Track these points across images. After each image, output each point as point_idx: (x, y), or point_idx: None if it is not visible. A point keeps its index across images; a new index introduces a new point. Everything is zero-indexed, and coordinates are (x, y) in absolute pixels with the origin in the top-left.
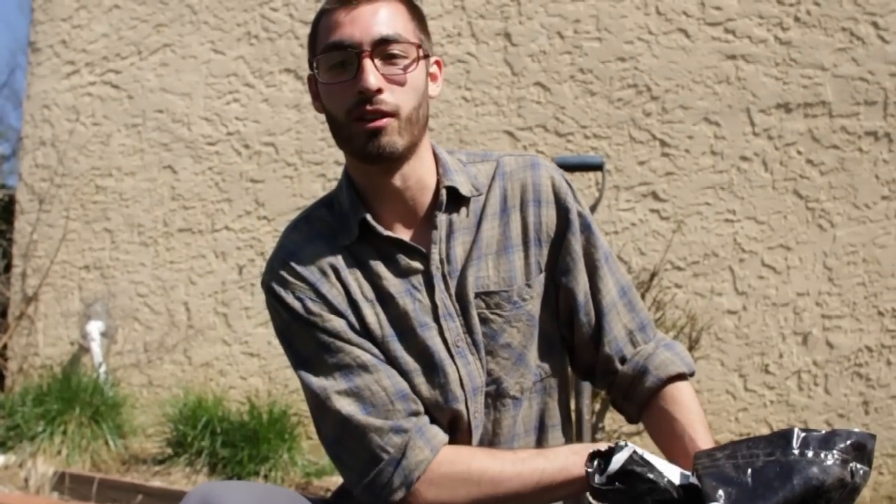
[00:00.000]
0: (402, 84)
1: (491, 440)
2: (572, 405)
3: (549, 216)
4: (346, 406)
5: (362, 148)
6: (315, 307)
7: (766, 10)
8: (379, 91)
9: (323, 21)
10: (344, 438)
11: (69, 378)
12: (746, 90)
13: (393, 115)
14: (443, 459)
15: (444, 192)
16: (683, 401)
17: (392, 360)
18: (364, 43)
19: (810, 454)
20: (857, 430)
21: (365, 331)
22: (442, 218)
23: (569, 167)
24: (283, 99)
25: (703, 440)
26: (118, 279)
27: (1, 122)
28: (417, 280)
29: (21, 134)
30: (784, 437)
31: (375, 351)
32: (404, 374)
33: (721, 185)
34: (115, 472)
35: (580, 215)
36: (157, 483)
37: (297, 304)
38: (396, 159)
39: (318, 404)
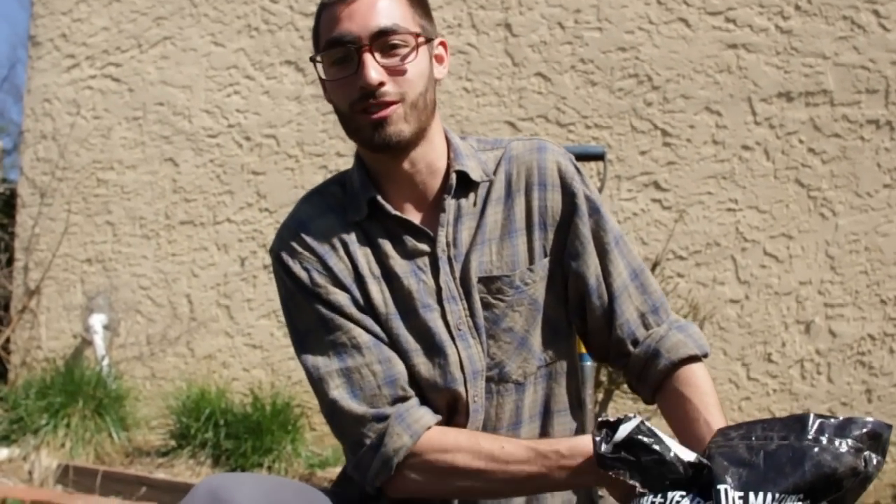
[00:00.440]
0: (403, 73)
1: (494, 425)
2: None
3: (555, 200)
4: (334, 389)
5: (370, 139)
6: (320, 279)
7: None
8: (381, 84)
9: (323, 16)
10: (333, 420)
11: (72, 371)
12: (748, 79)
13: (398, 102)
14: (426, 446)
15: (453, 176)
16: (696, 382)
17: (393, 339)
18: (363, 37)
19: (824, 441)
20: (872, 419)
21: (369, 307)
22: (450, 202)
23: None
24: (283, 91)
25: (717, 422)
26: (120, 272)
27: (2, 117)
28: (423, 262)
29: (22, 128)
30: (800, 421)
31: (376, 329)
32: (404, 353)
33: (723, 174)
34: (119, 465)
35: (588, 198)
36: (160, 475)
37: (303, 275)
38: (404, 146)
39: (312, 381)
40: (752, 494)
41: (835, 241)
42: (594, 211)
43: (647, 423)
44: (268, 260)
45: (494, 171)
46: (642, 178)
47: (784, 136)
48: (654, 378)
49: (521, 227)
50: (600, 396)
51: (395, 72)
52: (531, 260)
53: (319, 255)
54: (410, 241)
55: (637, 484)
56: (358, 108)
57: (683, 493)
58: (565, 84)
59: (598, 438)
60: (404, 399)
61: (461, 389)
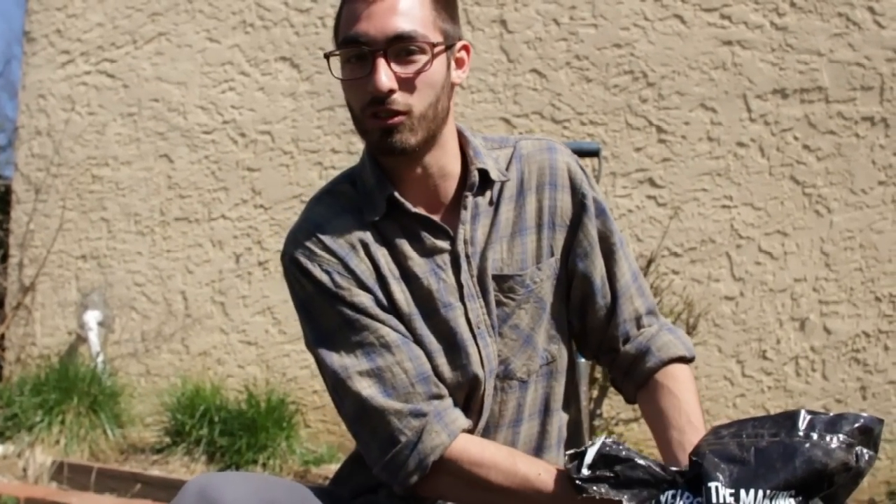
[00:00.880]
0: (414, 84)
1: (497, 423)
2: None
3: (565, 200)
4: (367, 387)
5: (377, 143)
6: (343, 281)
7: None
8: (391, 92)
9: (344, 10)
10: (363, 418)
11: (67, 368)
12: (743, 76)
13: (405, 113)
14: (462, 454)
15: (476, 173)
16: (682, 379)
17: (416, 339)
18: (378, 41)
19: (815, 436)
20: (864, 413)
21: (392, 307)
22: (470, 199)
23: None
24: (278, 87)
25: (698, 420)
26: (115, 269)
27: None
28: (442, 260)
29: (17, 124)
30: (790, 417)
31: (401, 329)
32: (427, 353)
33: (718, 171)
34: (114, 462)
35: (595, 201)
36: (155, 472)
37: (324, 277)
38: (411, 154)
39: (338, 382)
40: (743, 491)
41: (829, 239)
42: (601, 212)
43: (611, 439)
44: (263, 256)
45: (507, 170)
46: (637, 174)
47: (779, 132)
48: (642, 374)
49: (532, 226)
50: (595, 393)
51: (407, 81)
52: (539, 258)
53: (340, 256)
54: (429, 238)
55: (623, 498)
56: (368, 112)
57: (674, 491)
58: (560, 80)
59: (569, 467)
60: (439, 397)
61: (480, 388)
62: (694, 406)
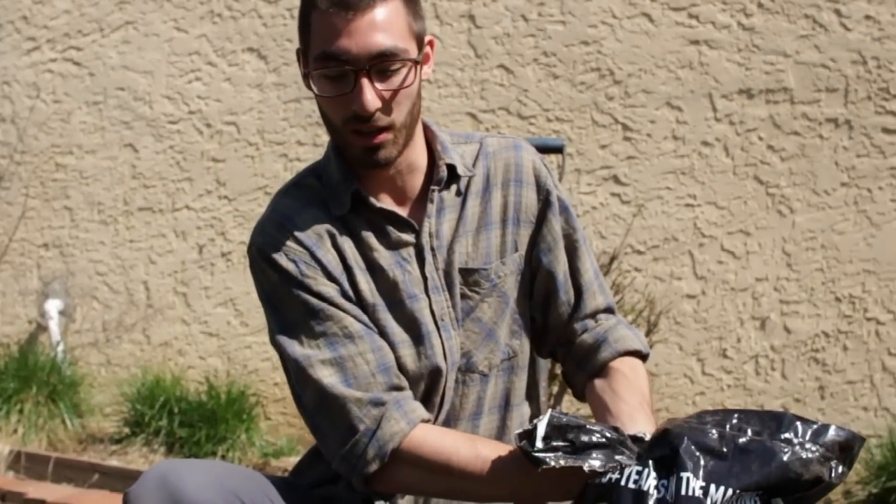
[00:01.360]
0: (397, 98)
1: (457, 415)
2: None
3: (530, 197)
4: (328, 376)
5: (359, 158)
6: (309, 271)
7: None
8: (376, 110)
9: (319, 20)
10: (322, 408)
11: (26, 356)
12: (709, 75)
13: (389, 128)
14: (422, 438)
15: (444, 168)
16: (637, 368)
17: (380, 330)
18: (362, 59)
19: (796, 444)
20: (848, 430)
21: (357, 298)
22: (437, 194)
23: None
24: (245, 78)
25: (649, 405)
26: (77, 257)
27: None
28: (407, 252)
29: None
30: (777, 419)
31: (365, 319)
32: (391, 344)
33: (682, 169)
34: (72, 452)
35: (559, 198)
36: (113, 462)
37: (290, 267)
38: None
39: (299, 372)
40: (713, 486)
41: (791, 239)
42: (564, 210)
43: (558, 411)
44: (226, 248)
45: (473, 165)
46: (602, 171)
47: (744, 132)
48: (596, 365)
49: (497, 221)
50: (555, 389)
51: (390, 98)
52: (503, 253)
53: (307, 246)
54: (395, 232)
55: (583, 463)
56: (350, 128)
57: (640, 467)
58: (527, 77)
59: (522, 444)
60: (399, 388)
61: (442, 380)
62: (647, 394)
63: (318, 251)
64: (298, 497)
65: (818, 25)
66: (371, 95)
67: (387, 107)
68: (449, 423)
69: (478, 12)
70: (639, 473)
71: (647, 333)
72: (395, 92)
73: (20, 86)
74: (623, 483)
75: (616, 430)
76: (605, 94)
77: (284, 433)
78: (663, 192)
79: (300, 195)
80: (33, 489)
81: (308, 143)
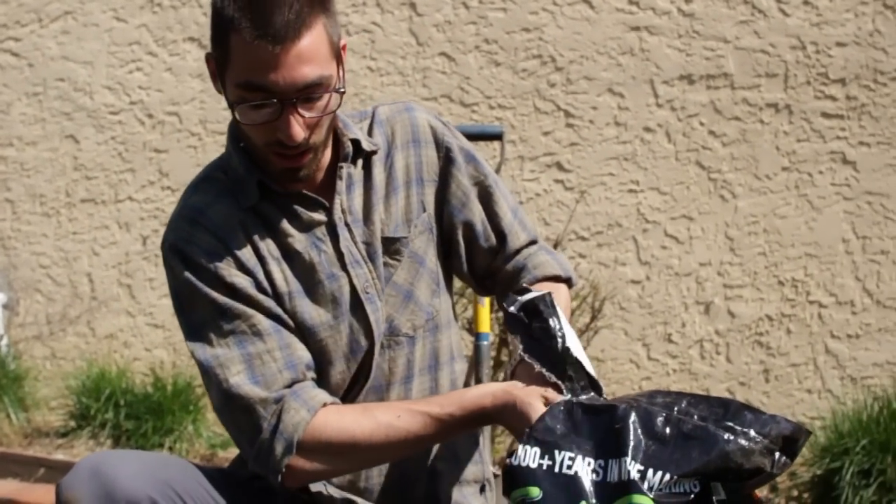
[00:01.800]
0: (320, 121)
1: (388, 381)
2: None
3: (430, 156)
4: (234, 375)
5: (279, 175)
6: (223, 263)
7: None
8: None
9: (239, 42)
10: (228, 408)
11: None
12: (650, 62)
13: (311, 149)
14: (324, 426)
15: (349, 144)
16: (555, 289)
17: (298, 317)
18: (289, 92)
19: (739, 433)
20: (794, 422)
21: (272, 288)
22: (345, 170)
23: (469, 136)
24: (186, 68)
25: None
26: (20, 250)
27: None
28: (321, 231)
29: None
30: (724, 406)
31: (278, 313)
32: (311, 329)
33: (625, 155)
34: (18, 446)
35: (462, 149)
36: (59, 456)
37: (204, 260)
38: None
39: (207, 372)
40: (651, 471)
41: (734, 223)
42: (470, 159)
43: (551, 298)
44: None
45: (369, 132)
46: (545, 158)
47: (685, 118)
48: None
49: (401, 184)
50: (500, 377)
51: (314, 124)
52: (410, 214)
53: (220, 238)
54: (306, 213)
55: (521, 346)
56: (272, 150)
57: (572, 453)
58: (469, 64)
59: (507, 298)
60: (302, 381)
61: (370, 353)
62: (565, 310)
63: (231, 243)
64: (237, 488)
65: (757, 11)
66: (298, 127)
67: (311, 131)
68: (381, 389)
69: (419, 0)
70: (571, 459)
71: (592, 319)
72: (320, 117)
73: None
74: (557, 469)
75: (565, 353)
76: (547, 81)
77: None
78: (606, 178)
79: (210, 189)
80: None
81: None
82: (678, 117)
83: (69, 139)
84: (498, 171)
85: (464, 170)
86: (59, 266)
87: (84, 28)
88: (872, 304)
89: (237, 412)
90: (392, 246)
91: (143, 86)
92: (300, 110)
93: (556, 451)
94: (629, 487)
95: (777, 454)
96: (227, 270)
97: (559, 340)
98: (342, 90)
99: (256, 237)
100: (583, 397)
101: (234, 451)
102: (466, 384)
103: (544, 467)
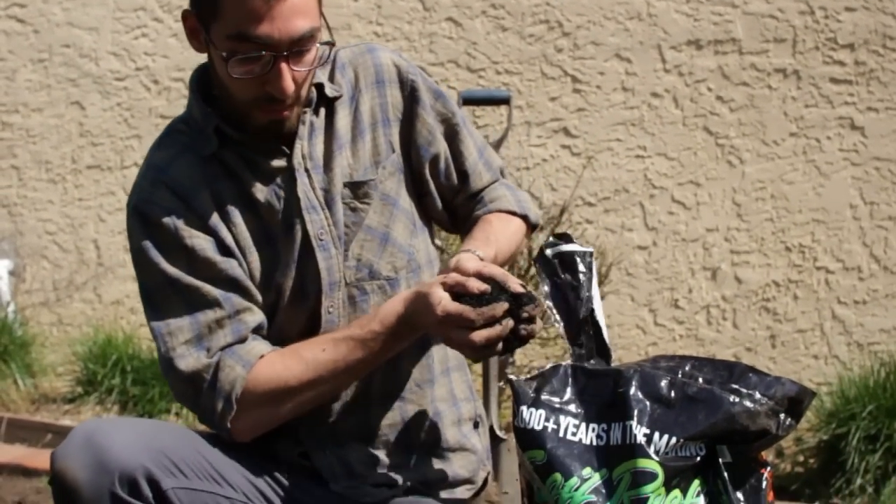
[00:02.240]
0: (307, 75)
1: None
2: None
3: (395, 95)
4: (181, 345)
5: (260, 127)
6: (183, 224)
7: None
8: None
9: None
10: (173, 376)
11: None
12: (658, 27)
13: (295, 102)
14: (259, 379)
15: (313, 90)
16: (504, 218)
17: (257, 263)
18: (283, 45)
19: (745, 396)
20: (800, 384)
21: (235, 241)
22: (308, 116)
23: (476, 101)
24: None
25: (499, 240)
26: (26, 217)
27: None
28: (282, 178)
29: None
30: (729, 368)
31: (233, 275)
32: (267, 279)
33: (632, 121)
34: (25, 412)
35: (428, 87)
36: (66, 422)
37: (163, 222)
38: None
39: (156, 338)
40: (657, 434)
41: (741, 189)
42: (438, 95)
43: (591, 259)
44: None
45: (333, 82)
46: (552, 124)
47: (693, 83)
48: (471, 221)
49: (367, 127)
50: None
51: (303, 79)
52: (378, 155)
53: (183, 197)
54: (265, 161)
55: (546, 291)
56: (258, 104)
57: (577, 420)
58: (476, 29)
59: (548, 243)
60: (243, 340)
61: (318, 301)
62: (501, 236)
63: (193, 201)
64: (237, 453)
65: None
66: (289, 80)
67: (298, 86)
68: None
69: None
70: (576, 425)
71: (599, 285)
72: (308, 72)
73: None
74: (561, 434)
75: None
76: (554, 46)
77: None
78: (613, 143)
79: (172, 143)
80: None
81: None
82: (686, 83)
83: (75, 105)
84: (505, 136)
85: (429, 107)
86: (65, 232)
87: None
88: (880, 270)
89: (181, 380)
90: (360, 189)
91: (148, 52)
92: (291, 64)
93: (562, 416)
94: (635, 451)
95: (782, 416)
96: (187, 231)
97: (585, 305)
98: (332, 42)
99: (219, 188)
100: (587, 364)
101: None
102: None
103: (549, 430)
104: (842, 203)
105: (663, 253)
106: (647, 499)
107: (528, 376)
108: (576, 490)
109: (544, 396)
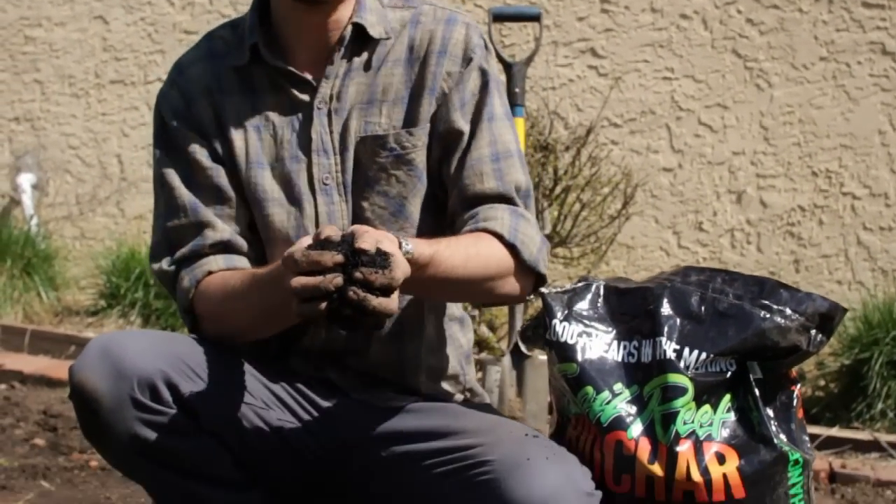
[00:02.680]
0: None
1: None
2: None
3: (451, 70)
4: (157, 245)
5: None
6: (180, 126)
7: None
8: None
9: None
10: (154, 272)
11: (0, 230)
12: None
13: None
14: (199, 296)
15: (349, 28)
16: (484, 238)
17: (253, 186)
18: None
19: (776, 312)
20: (831, 300)
21: (228, 156)
22: (340, 55)
23: (506, 17)
24: None
25: (453, 255)
26: (49, 131)
27: None
28: (302, 113)
29: None
30: (760, 284)
31: (219, 181)
32: (261, 201)
33: (660, 42)
34: (48, 324)
35: (482, 72)
36: (89, 334)
37: (166, 120)
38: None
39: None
40: (687, 350)
41: (769, 113)
42: (483, 86)
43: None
44: None
45: (399, 33)
46: (579, 44)
47: (722, 5)
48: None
49: (413, 93)
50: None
51: None
52: (413, 124)
53: (187, 99)
54: (292, 91)
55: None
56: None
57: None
58: None
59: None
60: (200, 255)
61: None
62: (473, 254)
63: (194, 106)
64: (255, 363)
65: None
66: None
67: None
68: None
69: None
70: (607, 343)
71: (624, 206)
72: None
73: None
74: (593, 349)
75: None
76: None
77: None
78: (641, 64)
79: (203, 47)
80: (10, 361)
81: None
82: (715, 4)
83: (98, 20)
84: (534, 55)
85: (469, 90)
86: (88, 147)
87: None
88: None
89: (156, 276)
90: (377, 144)
91: None
92: None
93: (593, 332)
94: (665, 367)
95: (813, 332)
96: (182, 133)
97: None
98: None
99: (228, 101)
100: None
101: None
102: None
103: (581, 345)
104: (870, 129)
105: (689, 175)
106: (678, 413)
107: (560, 289)
108: (607, 404)
109: (576, 311)
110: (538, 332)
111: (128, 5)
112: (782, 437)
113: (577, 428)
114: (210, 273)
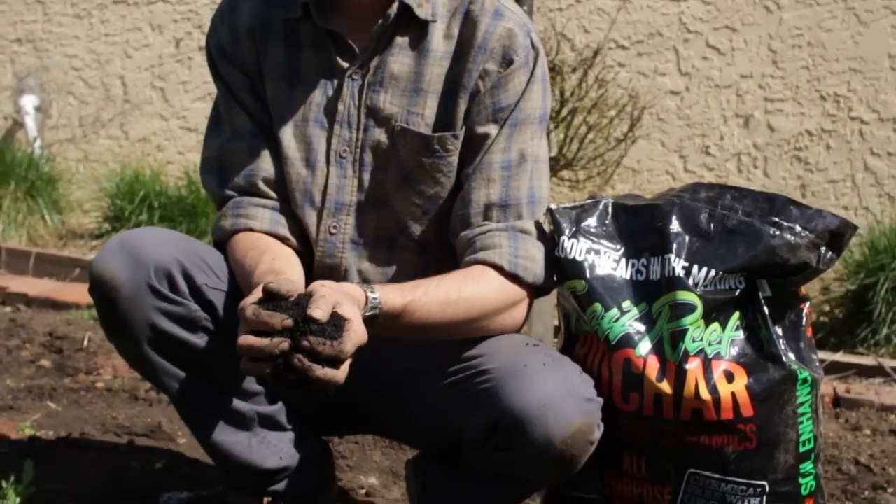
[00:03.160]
0: None
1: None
2: None
3: (490, 69)
4: (207, 163)
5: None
6: (224, 59)
7: None
8: None
9: None
10: (202, 180)
11: (3, 153)
12: None
13: None
14: (234, 242)
15: (395, 6)
16: (476, 277)
17: (275, 140)
18: None
19: (786, 229)
20: (841, 217)
21: (266, 98)
22: (384, 29)
23: None
24: None
25: (439, 300)
26: (51, 52)
27: None
28: (337, 79)
29: None
30: (770, 200)
31: (262, 118)
32: (282, 157)
33: None
34: (52, 247)
35: (522, 79)
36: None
37: (213, 49)
38: None
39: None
40: (696, 267)
41: (778, 35)
42: (521, 91)
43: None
44: (204, 41)
45: (449, 21)
46: None
47: None
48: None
49: (453, 89)
50: None
51: None
52: (454, 123)
53: (235, 38)
54: (333, 54)
55: None
56: None
57: (617, 256)
58: None
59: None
60: (251, 193)
61: (314, 214)
62: (458, 298)
63: (238, 45)
64: None
65: None
66: None
67: None
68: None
69: None
70: (616, 260)
71: (630, 129)
72: None
73: None
74: (601, 266)
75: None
76: None
77: None
78: None
79: None
80: (15, 284)
81: None
82: None
83: None
84: None
85: (501, 91)
86: (91, 68)
87: None
88: None
89: (204, 189)
90: (432, 156)
91: None
92: None
93: (602, 249)
94: (674, 284)
95: (823, 249)
96: (227, 69)
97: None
98: None
99: (271, 50)
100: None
101: None
102: None
103: (589, 262)
104: (880, 52)
105: (696, 99)
106: (687, 331)
107: (568, 206)
108: (615, 321)
109: (584, 228)
110: None
111: None
112: (791, 355)
113: (584, 346)
114: (250, 230)
